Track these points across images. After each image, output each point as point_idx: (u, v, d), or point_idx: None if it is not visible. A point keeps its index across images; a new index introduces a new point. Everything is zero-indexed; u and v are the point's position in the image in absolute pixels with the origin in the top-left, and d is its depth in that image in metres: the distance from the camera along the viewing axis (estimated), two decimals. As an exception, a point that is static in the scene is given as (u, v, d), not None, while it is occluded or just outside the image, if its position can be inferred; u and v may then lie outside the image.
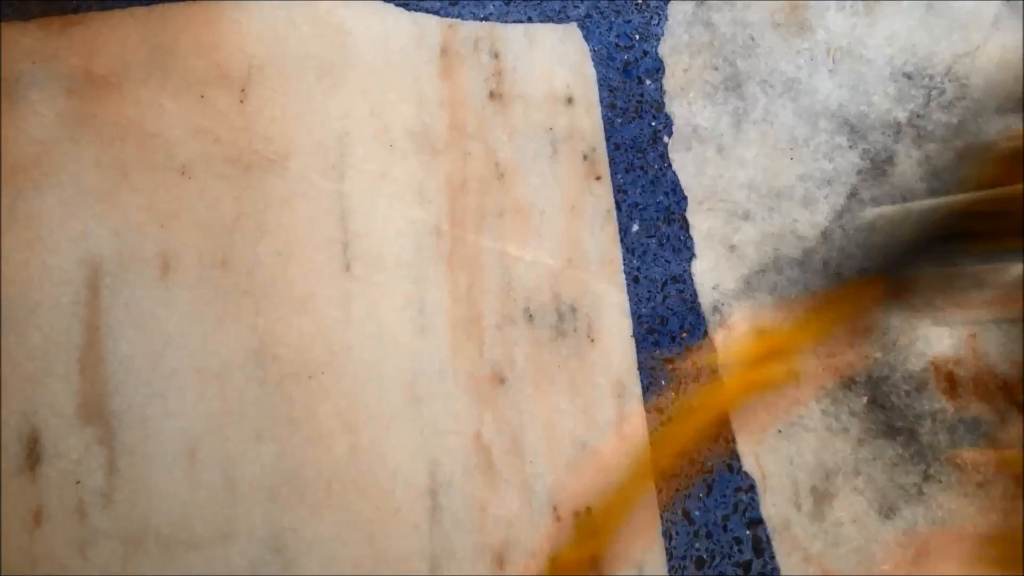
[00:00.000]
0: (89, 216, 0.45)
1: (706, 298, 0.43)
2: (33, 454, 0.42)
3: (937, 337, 0.41)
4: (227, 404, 0.43)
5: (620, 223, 0.44)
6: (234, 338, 0.44)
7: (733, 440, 0.41)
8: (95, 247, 0.45)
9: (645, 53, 0.46)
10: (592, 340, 0.43)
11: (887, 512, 0.40)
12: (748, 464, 0.41)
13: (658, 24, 0.47)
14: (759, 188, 0.44)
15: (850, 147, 0.44)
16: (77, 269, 0.44)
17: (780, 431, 0.41)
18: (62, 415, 0.43)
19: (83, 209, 0.45)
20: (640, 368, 0.43)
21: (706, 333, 0.43)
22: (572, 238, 0.44)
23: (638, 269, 0.44)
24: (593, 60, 0.46)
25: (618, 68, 0.46)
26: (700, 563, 0.40)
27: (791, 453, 0.40)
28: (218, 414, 0.43)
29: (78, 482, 0.42)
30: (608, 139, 0.45)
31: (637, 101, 0.46)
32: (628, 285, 0.44)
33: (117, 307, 0.44)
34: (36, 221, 0.45)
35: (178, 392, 0.43)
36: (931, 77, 0.45)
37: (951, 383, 0.41)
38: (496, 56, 0.47)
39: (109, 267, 0.44)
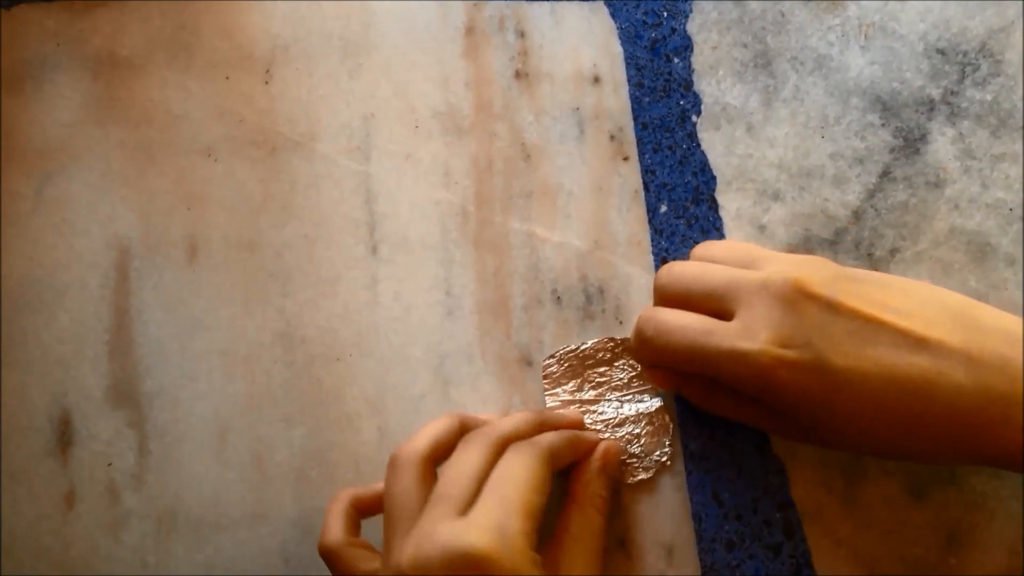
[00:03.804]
0: (116, 199, 0.45)
1: (735, 279, 0.43)
2: (65, 436, 0.43)
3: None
4: (256, 386, 0.43)
5: (648, 204, 0.44)
6: (261, 320, 0.44)
7: (763, 422, 0.41)
8: (123, 230, 0.45)
9: (673, 30, 0.46)
10: (620, 322, 0.43)
11: (919, 494, 0.40)
12: (778, 446, 0.41)
13: (686, 0, 0.46)
14: (789, 167, 0.44)
15: (882, 125, 0.44)
16: (105, 252, 0.45)
17: (810, 413, 0.40)
18: (93, 397, 0.43)
19: (110, 192, 0.45)
20: (668, 350, 0.42)
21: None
22: (599, 219, 0.44)
23: (666, 250, 0.43)
24: (620, 38, 0.46)
25: (646, 46, 0.46)
26: (730, 545, 0.40)
27: (822, 435, 0.40)
28: (247, 396, 0.43)
29: (110, 464, 0.43)
30: (636, 118, 0.45)
31: (665, 80, 0.45)
32: (656, 266, 0.43)
33: (145, 290, 0.44)
34: (64, 205, 0.45)
35: (207, 374, 0.43)
36: (965, 53, 0.44)
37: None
38: (522, 35, 0.46)
39: (137, 250, 0.45)
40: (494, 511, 0.33)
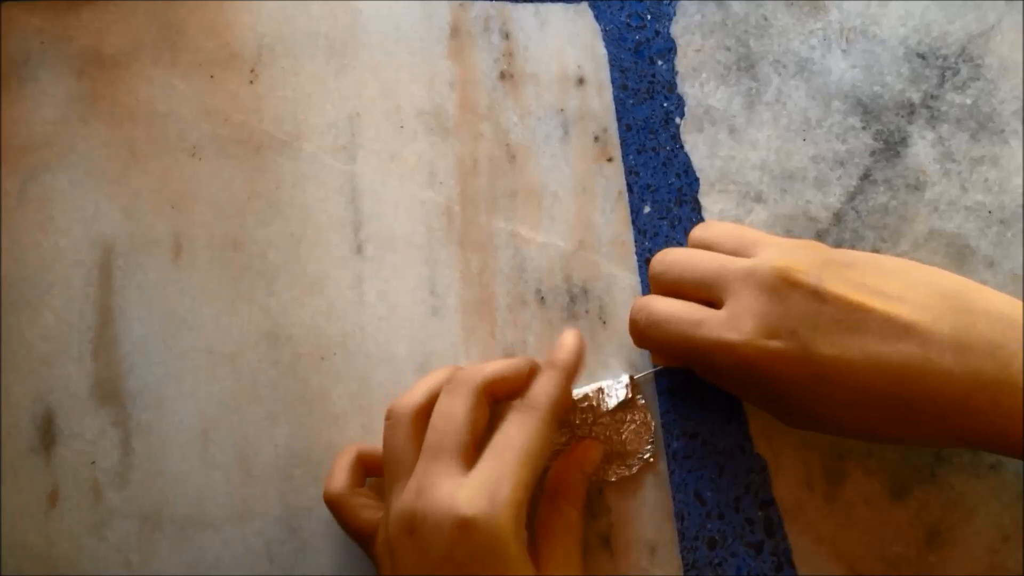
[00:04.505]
0: (101, 197, 0.45)
1: (718, 280, 0.43)
2: (48, 435, 0.43)
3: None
4: (240, 385, 0.43)
5: (632, 205, 0.44)
6: (247, 319, 0.44)
7: (745, 421, 0.41)
8: (107, 228, 0.45)
9: (657, 33, 0.46)
10: (604, 322, 0.43)
11: (899, 493, 0.40)
12: (761, 446, 0.41)
13: (670, 3, 0.46)
14: (771, 170, 0.44)
15: (863, 128, 0.44)
16: (89, 250, 0.44)
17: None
18: (76, 396, 0.43)
19: (95, 190, 0.45)
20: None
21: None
22: (583, 220, 0.44)
23: (650, 251, 0.44)
24: (604, 40, 0.46)
25: (630, 48, 0.46)
26: (712, 544, 0.40)
27: (804, 434, 0.41)
28: (232, 395, 0.43)
29: (93, 462, 0.43)
30: (619, 120, 0.45)
31: (649, 82, 0.46)
32: (640, 267, 0.44)
33: (130, 288, 0.44)
34: (48, 202, 0.45)
35: (192, 373, 0.43)
36: (945, 57, 0.45)
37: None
38: (507, 36, 0.46)
39: (121, 248, 0.44)
40: (489, 478, 0.33)
